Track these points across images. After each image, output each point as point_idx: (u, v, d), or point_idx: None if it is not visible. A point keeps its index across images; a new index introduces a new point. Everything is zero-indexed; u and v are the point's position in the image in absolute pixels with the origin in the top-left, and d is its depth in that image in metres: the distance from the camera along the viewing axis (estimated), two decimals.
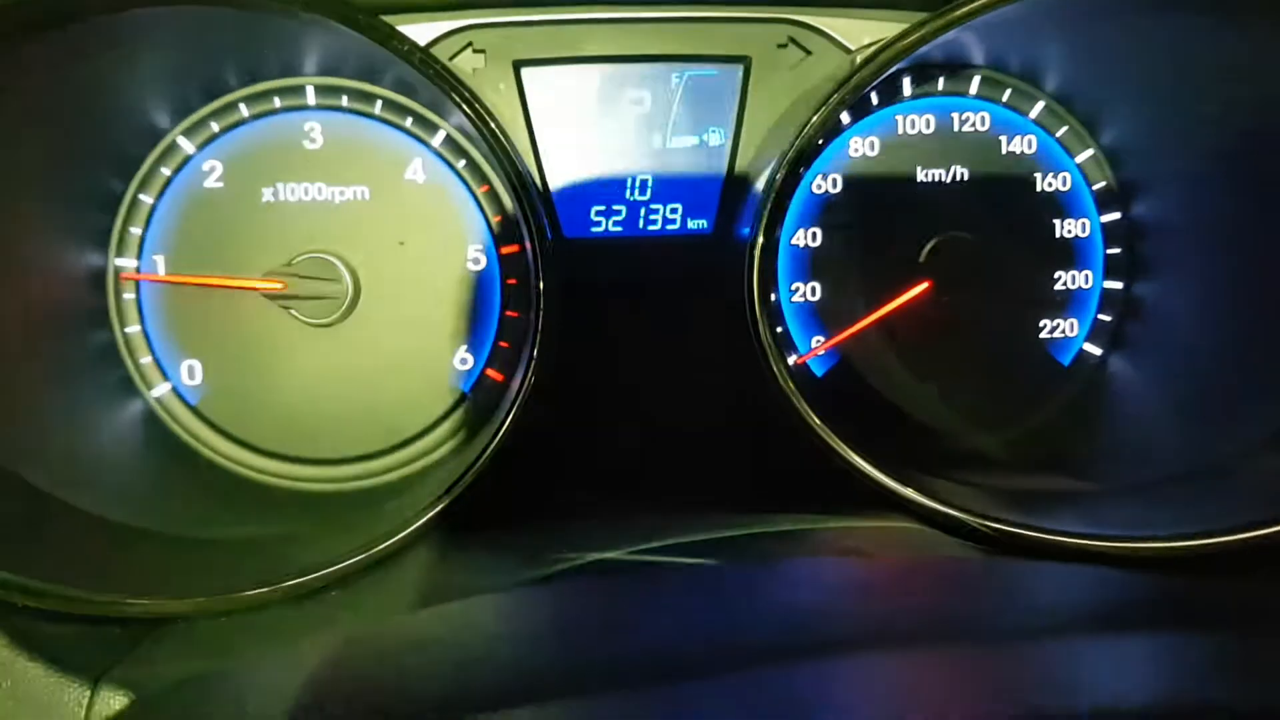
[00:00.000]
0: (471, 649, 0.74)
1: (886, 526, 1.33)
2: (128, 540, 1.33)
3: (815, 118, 1.33)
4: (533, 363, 1.36)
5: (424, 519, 1.30)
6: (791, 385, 1.38)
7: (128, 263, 1.53)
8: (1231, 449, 1.41)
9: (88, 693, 1.02)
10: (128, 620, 1.15)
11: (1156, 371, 1.59)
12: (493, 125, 1.31)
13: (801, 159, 1.36)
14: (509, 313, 1.59)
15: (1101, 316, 1.65)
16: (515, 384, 1.39)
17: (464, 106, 1.28)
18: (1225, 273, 1.52)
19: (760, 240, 1.37)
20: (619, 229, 1.59)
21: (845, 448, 1.36)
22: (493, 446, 1.34)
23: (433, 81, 1.27)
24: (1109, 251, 1.64)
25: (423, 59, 1.26)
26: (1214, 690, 0.86)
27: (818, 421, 1.37)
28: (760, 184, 1.40)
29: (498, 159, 1.33)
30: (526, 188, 1.33)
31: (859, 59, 1.35)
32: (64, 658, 1.05)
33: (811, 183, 1.60)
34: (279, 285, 1.48)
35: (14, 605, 1.10)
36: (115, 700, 1.00)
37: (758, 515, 1.37)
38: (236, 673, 0.92)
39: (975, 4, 1.26)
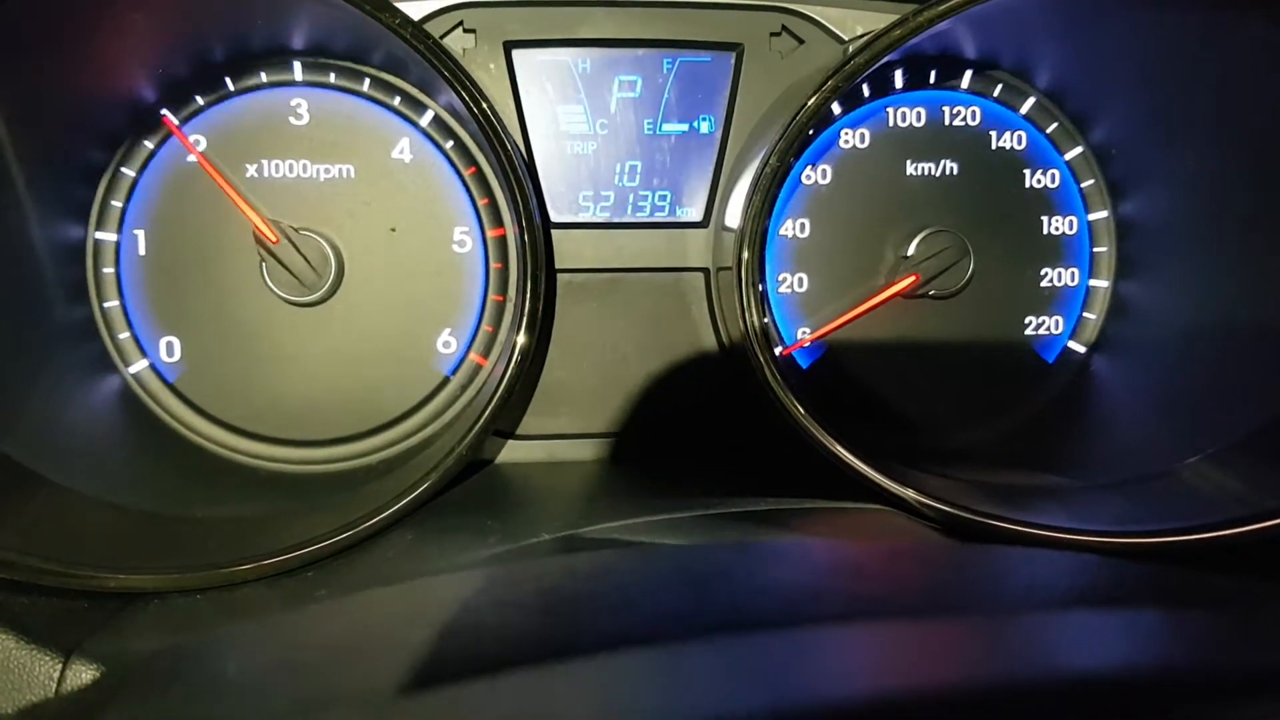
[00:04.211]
0: (453, 618, 0.73)
1: (867, 515, 1.33)
2: (102, 515, 1.31)
3: (805, 107, 1.32)
4: (515, 348, 1.35)
5: (403, 502, 1.29)
6: (777, 377, 1.37)
7: (108, 236, 1.51)
8: (1212, 447, 1.41)
9: (59, 665, 1.00)
10: (101, 595, 1.13)
11: (1139, 370, 1.59)
12: (484, 105, 1.29)
13: (792, 148, 1.35)
14: (494, 296, 1.57)
15: (1086, 314, 1.65)
16: (499, 369, 1.38)
17: (454, 85, 1.27)
18: (1209, 273, 1.52)
19: (749, 230, 1.36)
20: (607, 215, 1.58)
21: (830, 439, 1.36)
22: (474, 431, 1.33)
23: (424, 58, 1.26)
24: (1095, 250, 1.64)
25: (414, 33, 1.24)
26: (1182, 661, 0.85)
27: (802, 413, 1.36)
28: (750, 173, 1.39)
29: (487, 140, 1.31)
30: (515, 170, 1.32)
31: (851, 49, 1.34)
32: (36, 631, 1.03)
33: (801, 173, 1.59)
34: (274, 237, 1.46)
35: None
36: (86, 673, 0.98)
37: (740, 501, 1.37)
38: (210, 646, 0.90)
39: None
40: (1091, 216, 1.64)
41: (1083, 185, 1.63)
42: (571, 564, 1.01)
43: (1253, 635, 0.84)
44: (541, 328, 1.49)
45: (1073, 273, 1.64)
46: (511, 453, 1.60)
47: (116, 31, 1.37)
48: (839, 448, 1.35)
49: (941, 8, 1.27)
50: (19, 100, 1.33)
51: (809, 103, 1.32)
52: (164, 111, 1.49)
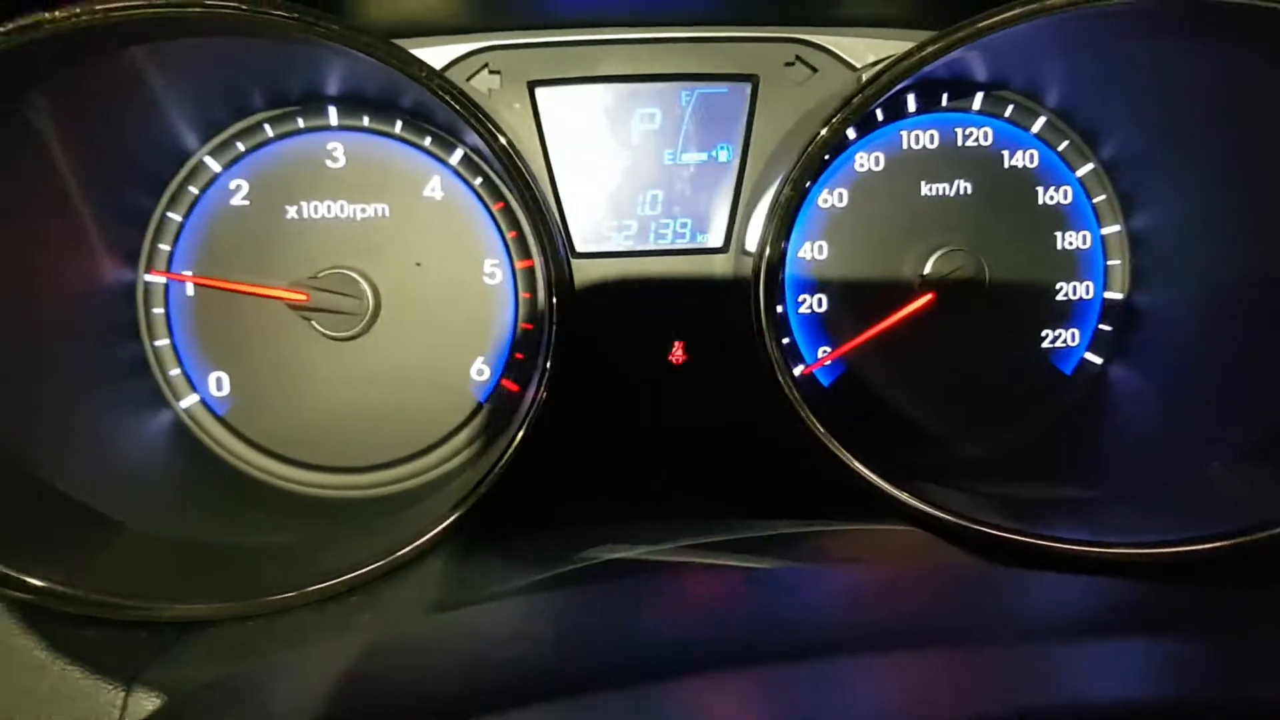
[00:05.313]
0: (485, 650, 0.79)
1: (888, 533, 1.37)
2: (157, 546, 1.38)
3: (820, 135, 1.37)
4: (545, 374, 1.40)
5: (441, 526, 1.34)
6: (797, 395, 1.42)
7: (157, 278, 1.59)
8: (1227, 456, 1.44)
9: (123, 694, 1.07)
10: (158, 624, 1.20)
11: (1155, 380, 1.62)
12: (505, 144, 1.35)
13: (806, 175, 1.39)
14: (524, 325, 1.63)
15: (1102, 326, 1.69)
16: (529, 395, 1.44)
17: (477, 127, 1.33)
18: (1221, 283, 1.54)
19: (767, 254, 1.41)
20: (630, 243, 1.63)
21: (850, 456, 1.40)
22: (507, 456, 1.39)
23: (448, 104, 1.32)
24: (1109, 263, 1.68)
25: (440, 84, 1.30)
26: (1203, 686, 0.89)
27: (822, 430, 1.40)
28: (767, 199, 1.44)
29: (510, 176, 1.37)
30: (539, 205, 1.38)
31: (864, 77, 1.39)
32: (99, 660, 1.10)
33: (818, 197, 1.64)
34: (303, 296, 1.53)
35: (50, 610, 1.16)
36: (149, 701, 1.05)
37: (764, 522, 1.41)
38: (263, 674, 0.97)
39: (977, 26, 1.29)
40: (1104, 231, 1.67)
41: (1095, 200, 1.67)
42: (595, 592, 1.07)
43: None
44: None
45: (1087, 286, 1.67)
46: None
47: (167, 88, 1.45)
48: (858, 464, 1.39)
49: (951, 38, 1.30)
50: (85, 155, 1.41)
51: (822, 132, 1.37)
52: (147, 278, 1.60)
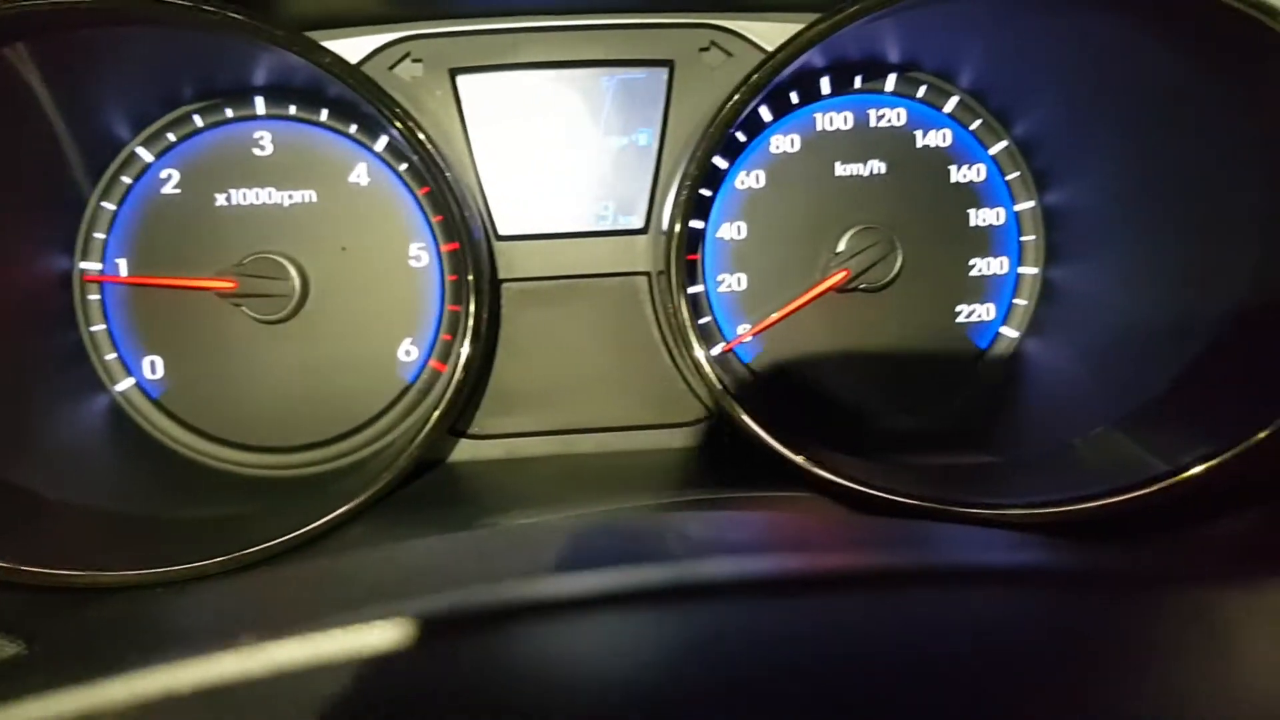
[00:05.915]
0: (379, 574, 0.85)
1: (790, 499, 1.40)
2: (90, 522, 1.43)
3: (720, 114, 1.41)
4: (464, 355, 1.44)
5: (358, 500, 1.39)
6: (713, 372, 1.45)
7: (92, 265, 1.63)
8: (1125, 422, 1.47)
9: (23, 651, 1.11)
10: (71, 590, 1.25)
11: (1070, 350, 1.65)
12: (420, 136, 1.40)
13: (711, 152, 1.43)
14: (450, 306, 1.67)
15: (1017, 301, 1.72)
16: (449, 377, 1.47)
17: (390, 117, 1.38)
18: (1131, 257, 1.57)
19: (677, 232, 1.45)
20: (553, 226, 1.67)
21: (759, 429, 1.43)
22: (424, 434, 1.43)
23: (363, 96, 1.37)
24: (1023, 239, 1.71)
25: (353, 75, 1.35)
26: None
27: (737, 406, 1.43)
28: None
29: (424, 164, 1.42)
30: (455, 191, 1.42)
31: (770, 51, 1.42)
32: (4, 621, 1.14)
33: (736, 178, 1.67)
34: (230, 284, 1.58)
35: None
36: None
37: (681, 493, 1.45)
38: (165, 611, 1.02)
39: (865, 4, 1.34)
40: (1018, 207, 1.70)
41: (1008, 178, 1.70)
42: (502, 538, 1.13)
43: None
44: (492, 334, 1.60)
45: (1002, 262, 1.70)
46: (471, 451, 1.69)
47: (100, 81, 1.50)
48: (766, 436, 1.42)
49: (836, 18, 1.34)
50: (5, 143, 1.46)
51: (722, 111, 1.41)
52: (82, 265, 1.63)
